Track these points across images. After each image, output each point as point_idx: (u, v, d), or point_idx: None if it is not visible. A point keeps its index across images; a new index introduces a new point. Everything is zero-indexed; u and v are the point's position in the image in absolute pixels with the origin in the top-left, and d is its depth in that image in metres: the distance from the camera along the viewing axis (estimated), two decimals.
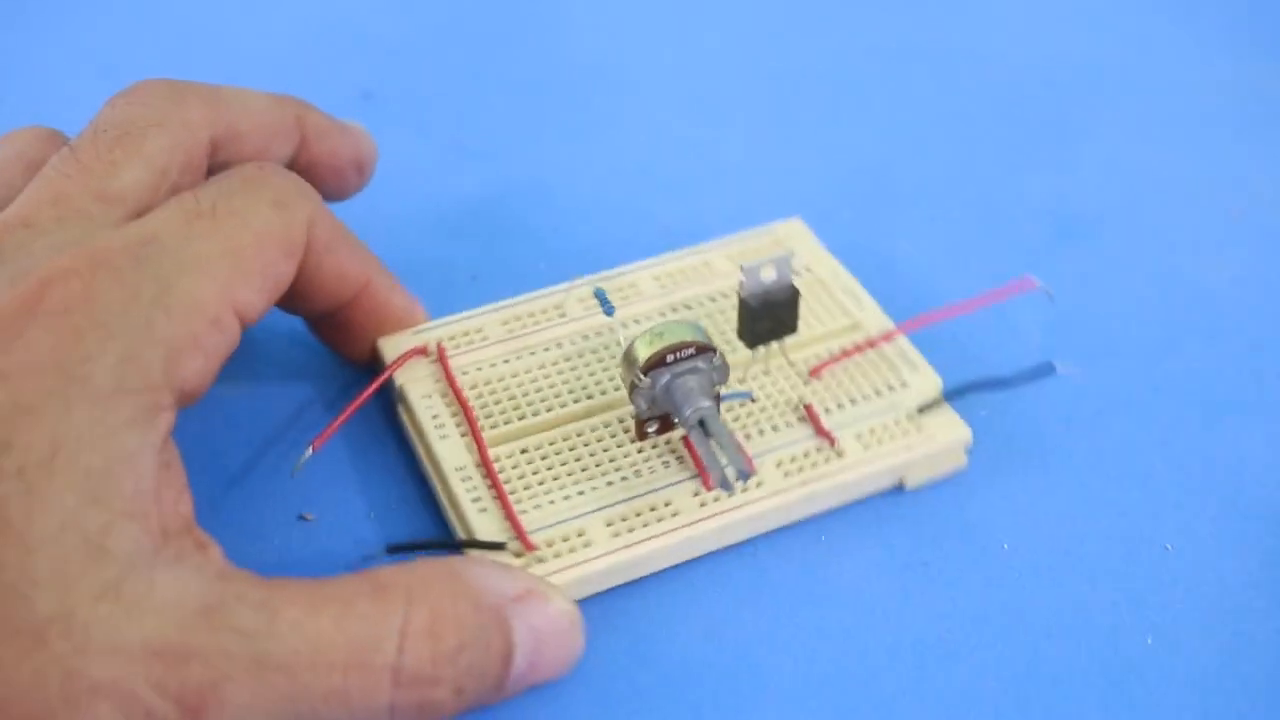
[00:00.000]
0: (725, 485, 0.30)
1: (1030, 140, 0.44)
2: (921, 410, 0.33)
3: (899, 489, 0.33)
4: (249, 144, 0.31)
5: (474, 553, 0.29)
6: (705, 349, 0.30)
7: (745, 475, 0.30)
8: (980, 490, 0.33)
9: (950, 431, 0.32)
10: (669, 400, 0.31)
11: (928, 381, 0.33)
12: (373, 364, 0.34)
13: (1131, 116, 0.45)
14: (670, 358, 0.30)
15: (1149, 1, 0.49)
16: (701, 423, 0.30)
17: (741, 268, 0.31)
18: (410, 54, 0.47)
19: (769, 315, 0.32)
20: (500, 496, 0.30)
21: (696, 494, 0.31)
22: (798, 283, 0.32)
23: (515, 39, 0.47)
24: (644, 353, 0.30)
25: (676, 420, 0.31)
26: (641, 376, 0.30)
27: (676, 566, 0.31)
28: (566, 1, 0.49)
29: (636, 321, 0.34)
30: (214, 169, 0.30)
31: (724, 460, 0.30)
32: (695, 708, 0.29)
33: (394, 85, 0.45)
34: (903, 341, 0.34)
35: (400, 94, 0.45)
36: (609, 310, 0.34)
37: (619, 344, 0.34)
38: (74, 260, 0.25)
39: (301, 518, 0.32)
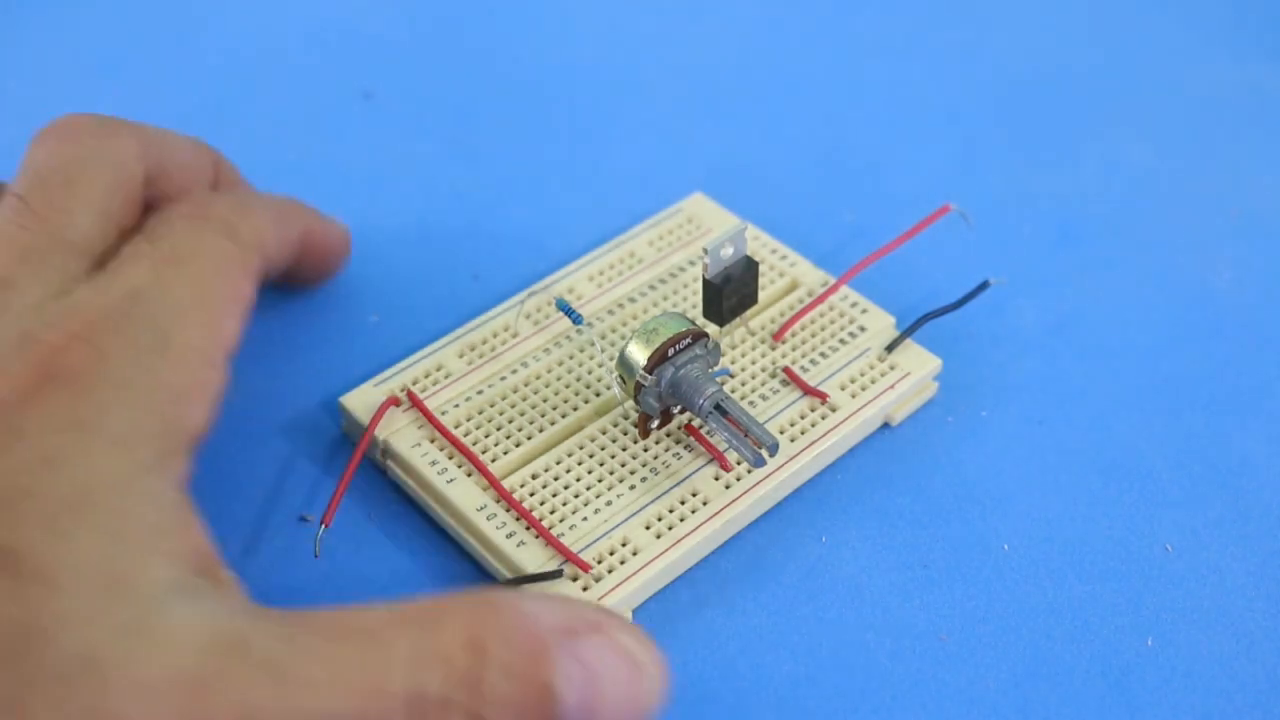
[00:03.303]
0: (758, 461, 0.30)
1: (1031, 140, 0.44)
2: (889, 349, 0.34)
3: (886, 427, 0.34)
4: (174, 181, 0.32)
5: (532, 588, 0.29)
6: (699, 335, 0.31)
7: (774, 448, 0.30)
8: (982, 494, 0.33)
9: (923, 363, 0.34)
10: (676, 393, 0.31)
11: (881, 321, 0.35)
12: (336, 413, 0.34)
13: (1131, 117, 0.45)
14: (670, 351, 0.30)
15: (1149, 2, 0.49)
16: (718, 406, 0.30)
17: (705, 250, 0.32)
18: (410, 54, 0.47)
19: (734, 292, 0.32)
20: (534, 525, 0.30)
21: (718, 477, 0.31)
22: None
23: (515, 39, 0.47)
24: (643, 353, 0.30)
25: (687, 410, 0.31)
26: (647, 376, 0.30)
27: (675, 583, 0.31)
28: (566, 2, 0.49)
29: (590, 325, 0.34)
30: (145, 203, 0.31)
31: (748, 438, 0.30)
32: (695, 706, 0.29)
33: (394, 85, 0.45)
34: (847, 290, 0.36)
35: (400, 94, 0.45)
36: (577, 319, 0.34)
37: (596, 350, 0.34)
38: (79, 325, 0.26)
39: (302, 518, 0.32)
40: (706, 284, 0.32)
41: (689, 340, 0.31)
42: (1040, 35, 0.48)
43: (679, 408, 0.32)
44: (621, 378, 0.31)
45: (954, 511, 0.33)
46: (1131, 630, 0.30)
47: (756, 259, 0.33)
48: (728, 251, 0.32)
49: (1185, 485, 0.33)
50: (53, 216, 0.28)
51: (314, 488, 0.33)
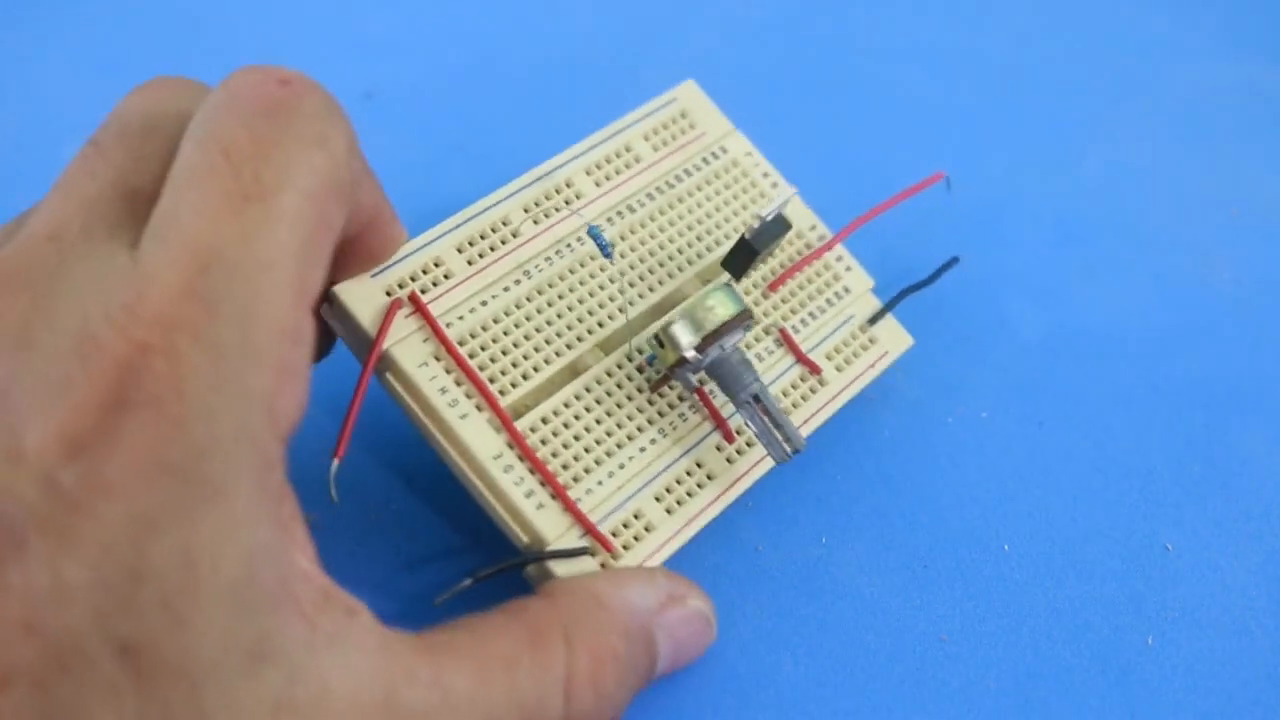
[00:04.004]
0: (782, 457, 0.30)
1: (1031, 140, 0.44)
2: (871, 321, 0.34)
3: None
4: None
5: (559, 564, 0.28)
6: (747, 318, 0.30)
7: (799, 447, 0.30)
8: (982, 494, 0.33)
9: (900, 342, 0.35)
10: (714, 374, 0.30)
11: (863, 283, 0.35)
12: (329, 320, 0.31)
13: (1131, 117, 0.45)
14: (723, 333, 0.30)
15: (1150, 2, 0.49)
16: (755, 397, 0.30)
17: (757, 216, 0.31)
18: (410, 54, 0.47)
19: (764, 249, 0.32)
20: (551, 484, 0.29)
21: (720, 448, 0.31)
22: (716, 165, 0.35)
23: (514, 39, 0.47)
24: (694, 333, 0.29)
25: (722, 392, 0.31)
26: (697, 355, 0.29)
27: (679, 565, 0.31)
28: (565, 1, 0.49)
29: (622, 256, 0.33)
30: None
31: (779, 435, 0.30)
32: (696, 708, 0.29)
33: (394, 85, 0.45)
34: (838, 248, 0.36)
35: (400, 94, 0.45)
36: (607, 252, 0.32)
37: (620, 284, 0.32)
38: (145, 330, 0.21)
39: (305, 517, 0.32)
40: (744, 242, 0.32)
41: (738, 324, 0.30)
42: (1041, 35, 0.48)
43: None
44: (660, 342, 0.30)
45: (954, 511, 0.33)
46: (1131, 630, 0.30)
47: (748, 179, 0.34)
48: (772, 214, 0.32)
49: (1185, 485, 0.33)
50: (123, 162, 0.24)
51: (307, 483, 0.32)
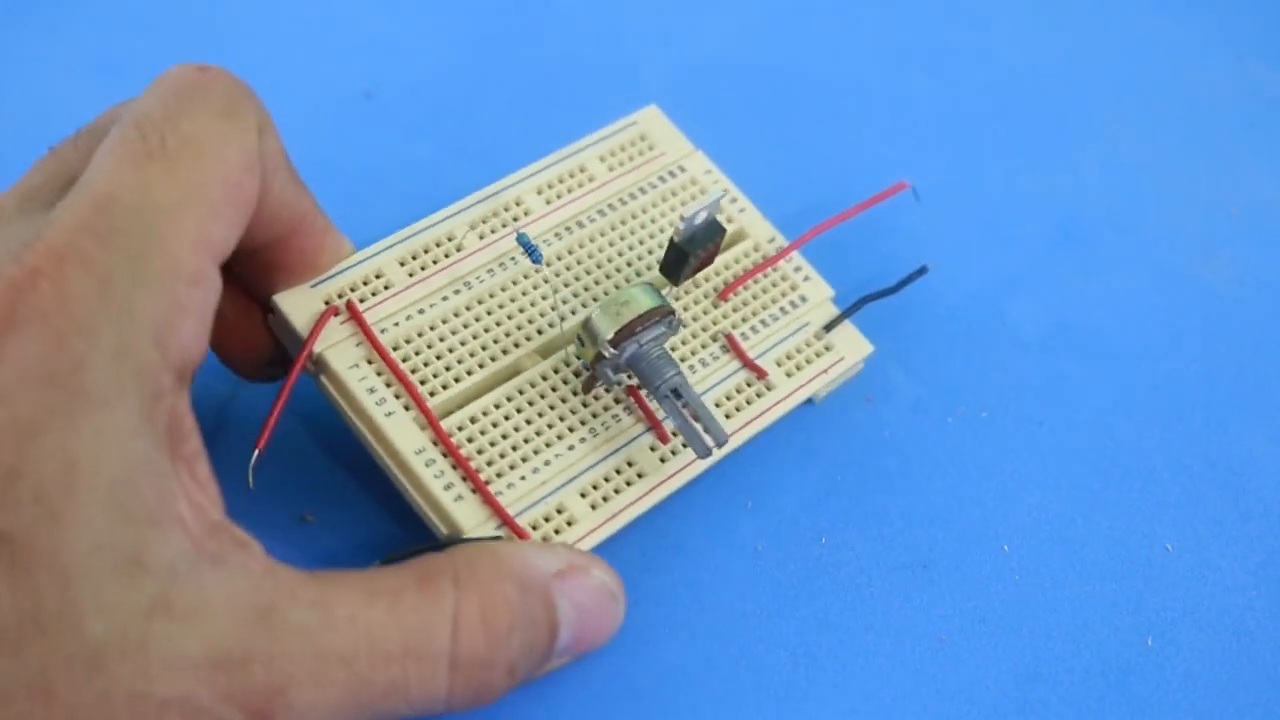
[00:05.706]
0: (704, 452, 0.30)
1: (1031, 140, 0.44)
2: (827, 328, 0.34)
3: (809, 402, 0.34)
4: None
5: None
6: (666, 313, 0.30)
7: (721, 441, 0.30)
8: (982, 494, 0.33)
9: (857, 348, 0.34)
10: (634, 368, 0.30)
11: (822, 293, 0.35)
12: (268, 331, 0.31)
13: (1131, 117, 0.45)
14: (638, 327, 0.30)
15: (1150, 2, 0.49)
16: (674, 391, 0.30)
17: (682, 217, 0.31)
18: (410, 54, 0.47)
19: (696, 255, 0.32)
20: (473, 479, 0.29)
21: (654, 448, 0.31)
22: (674, 183, 0.34)
23: (515, 38, 0.47)
24: (610, 326, 0.30)
25: (643, 387, 0.31)
26: (611, 349, 0.30)
27: (679, 564, 0.31)
28: (565, 1, 0.49)
29: (549, 264, 0.33)
30: None
31: (699, 427, 0.30)
32: (697, 708, 0.29)
33: (394, 85, 0.45)
34: (794, 254, 0.35)
35: (400, 94, 0.45)
36: (536, 258, 0.32)
37: (550, 291, 0.33)
38: (37, 258, 0.23)
39: (302, 519, 0.32)
40: (674, 246, 0.32)
41: (656, 318, 0.30)
42: (1041, 34, 0.48)
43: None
44: (580, 340, 0.30)
45: (954, 511, 0.33)
46: (1131, 630, 0.30)
47: (705, 195, 0.34)
48: (702, 218, 0.32)
49: (1185, 485, 0.33)
50: (70, 156, 0.26)
51: (307, 483, 0.32)
